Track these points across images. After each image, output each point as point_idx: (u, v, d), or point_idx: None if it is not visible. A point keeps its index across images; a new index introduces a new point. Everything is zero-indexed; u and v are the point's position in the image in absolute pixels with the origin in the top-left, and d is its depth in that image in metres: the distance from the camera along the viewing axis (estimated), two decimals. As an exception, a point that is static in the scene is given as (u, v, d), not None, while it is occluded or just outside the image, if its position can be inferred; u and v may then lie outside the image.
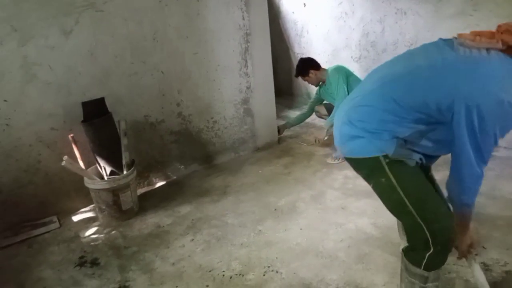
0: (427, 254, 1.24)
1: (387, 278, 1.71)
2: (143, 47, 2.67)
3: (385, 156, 1.20)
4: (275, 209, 2.43)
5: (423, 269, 1.28)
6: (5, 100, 2.25)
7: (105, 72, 2.55)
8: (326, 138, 3.43)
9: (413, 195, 1.22)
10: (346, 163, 2.99)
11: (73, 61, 2.42)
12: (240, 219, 2.34)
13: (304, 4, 4.77)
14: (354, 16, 4.07)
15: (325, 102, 3.58)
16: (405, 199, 1.21)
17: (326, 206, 2.41)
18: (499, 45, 1.10)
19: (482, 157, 1.13)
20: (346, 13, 4.15)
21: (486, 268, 1.69)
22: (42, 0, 2.24)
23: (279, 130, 3.72)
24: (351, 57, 4.26)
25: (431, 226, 1.21)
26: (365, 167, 1.30)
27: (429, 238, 1.21)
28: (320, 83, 3.45)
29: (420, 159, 1.25)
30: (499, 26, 1.15)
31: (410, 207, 1.21)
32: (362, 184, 2.64)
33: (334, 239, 2.04)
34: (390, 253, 1.86)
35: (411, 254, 1.31)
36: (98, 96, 2.44)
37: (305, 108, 3.84)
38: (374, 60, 3.95)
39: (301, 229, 2.18)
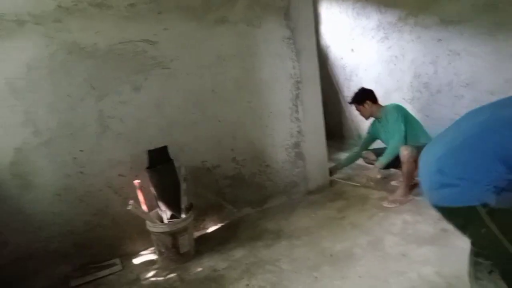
0: None
1: (459, 334, 1.58)
2: (204, 98, 2.90)
3: (484, 205, 1.10)
4: (331, 255, 2.37)
5: None
6: (81, 150, 2.52)
7: (169, 122, 2.79)
8: (379, 176, 3.28)
9: None
10: (403, 207, 2.93)
11: (142, 113, 2.68)
12: (295, 265, 2.31)
13: (352, 49, 4.89)
14: (404, 59, 4.08)
15: (373, 147, 3.51)
16: None
17: (386, 253, 2.31)
18: None
19: None
20: (396, 56, 4.18)
21: None
22: (119, 63, 2.56)
23: (331, 172, 3.69)
24: (403, 98, 4.21)
25: None
26: (459, 217, 1.20)
27: None
28: (373, 119, 3.43)
29: None
30: None
31: None
32: (423, 229, 2.54)
33: (396, 289, 1.94)
34: (460, 306, 1.73)
35: None
36: (162, 145, 2.64)
37: (356, 149, 3.78)
38: (429, 101, 3.87)
39: (359, 277, 2.10)
